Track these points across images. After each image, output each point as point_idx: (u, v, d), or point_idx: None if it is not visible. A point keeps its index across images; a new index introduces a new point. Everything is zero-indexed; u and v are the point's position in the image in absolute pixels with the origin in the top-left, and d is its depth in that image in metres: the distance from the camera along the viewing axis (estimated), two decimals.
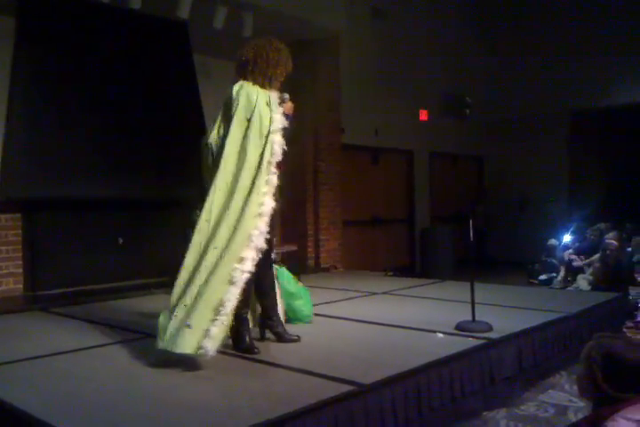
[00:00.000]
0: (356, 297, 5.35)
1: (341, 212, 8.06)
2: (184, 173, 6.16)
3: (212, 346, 2.97)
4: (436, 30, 9.91)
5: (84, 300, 5.26)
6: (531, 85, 10.25)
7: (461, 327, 3.79)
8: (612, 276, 6.57)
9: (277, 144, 3.25)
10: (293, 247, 6.48)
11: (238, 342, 3.39)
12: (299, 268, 5.93)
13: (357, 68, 8.49)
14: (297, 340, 3.58)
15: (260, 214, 3.13)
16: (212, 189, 3.19)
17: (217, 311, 3.00)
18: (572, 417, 3.23)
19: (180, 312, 3.08)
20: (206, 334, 2.97)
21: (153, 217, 6.48)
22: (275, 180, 3.22)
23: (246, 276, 3.08)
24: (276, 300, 3.67)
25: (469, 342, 3.48)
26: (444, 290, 5.71)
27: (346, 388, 2.68)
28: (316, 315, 4.28)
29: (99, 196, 5.90)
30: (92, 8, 5.87)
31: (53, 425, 2.32)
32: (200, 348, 2.96)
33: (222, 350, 3.34)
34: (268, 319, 3.61)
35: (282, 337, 3.57)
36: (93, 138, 5.95)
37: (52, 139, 5.69)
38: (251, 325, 3.57)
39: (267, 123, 3.23)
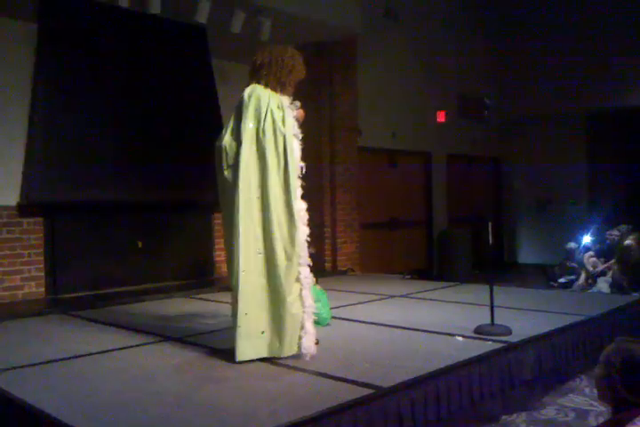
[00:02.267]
0: (373, 300, 5.34)
1: (358, 214, 8.06)
2: (203, 176, 6.21)
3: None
4: (452, 32, 9.88)
5: (105, 303, 5.32)
6: (548, 86, 10.17)
7: (480, 331, 3.77)
8: (633, 277, 6.49)
9: (296, 147, 3.30)
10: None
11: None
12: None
13: (374, 71, 8.50)
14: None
15: (299, 218, 3.25)
16: (236, 196, 3.21)
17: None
18: (593, 422, 3.21)
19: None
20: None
21: (172, 220, 6.54)
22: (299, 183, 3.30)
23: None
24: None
25: (488, 346, 3.46)
26: (462, 293, 5.68)
27: (365, 391, 2.68)
28: (334, 318, 4.29)
29: (119, 199, 5.96)
30: (112, 13, 5.94)
31: (73, 426, 2.34)
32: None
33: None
34: None
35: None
36: (113, 142, 6.03)
37: (74, 143, 5.76)
38: None
39: (280, 125, 3.25)
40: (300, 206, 3.29)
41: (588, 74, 9.72)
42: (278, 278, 3.23)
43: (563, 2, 10.01)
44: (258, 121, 3.25)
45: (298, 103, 3.44)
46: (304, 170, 3.33)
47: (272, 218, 3.21)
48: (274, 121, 3.23)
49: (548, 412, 3.41)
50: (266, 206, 3.23)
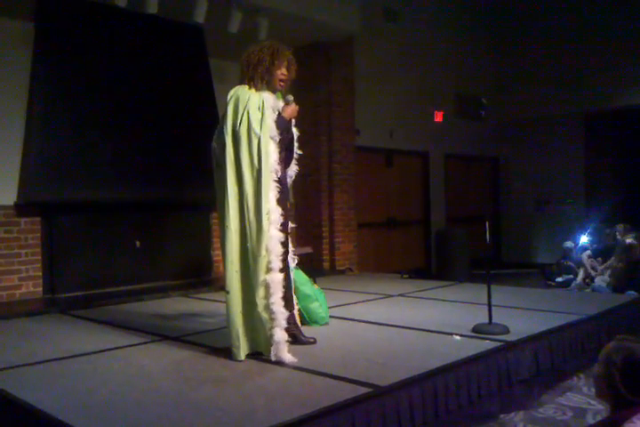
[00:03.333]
0: (371, 299, 5.35)
1: (356, 214, 8.06)
2: (200, 175, 6.21)
3: None
4: (450, 32, 9.90)
5: (102, 302, 5.31)
6: (546, 86, 10.18)
7: (478, 330, 3.77)
8: (632, 276, 6.51)
9: (271, 151, 3.23)
10: (308, 250, 6.50)
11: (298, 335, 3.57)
12: (314, 270, 5.94)
13: (372, 70, 8.51)
14: (313, 342, 3.59)
15: (272, 221, 3.19)
16: (225, 196, 3.25)
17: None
18: (591, 420, 3.21)
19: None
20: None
21: (170, 220, 6.54)
22: (275, 186, 3.25)
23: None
24: (292, 302, 3.68)
25: (486, 345, 3.47)
26: (460, 292, 5.69)
27: (363, 390, 2.68)
28: (332, 317, 4.30)
29: (116, 199, 5.96)
30: (110, 13, 5.94)
31: (71, 425, 2.34)
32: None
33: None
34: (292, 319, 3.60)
35: (297, 339, 3.58)
36: (111, 142, 6.02)
37: (70, 143, 5.76)
38: None
39: (255, 127, 3.20)
40: (273, 209, 3.20)
41: (586, 74, 9.74)
42: (250, 280, 3.22)
43: (561, 3, 10.02)
44: (234, 123, 3.25)
45: (290, 97, 3.41)
46: (279, 173, 3.28)
47: (245, 220, 3.22)
48: (249, 122, 3.21)
49: (546, 411, 3.42)
50: (241, 208, 3.24)
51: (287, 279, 3.55)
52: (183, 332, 4.03)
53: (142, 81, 6.38)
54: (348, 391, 2.67)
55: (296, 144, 3.61)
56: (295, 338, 3.58)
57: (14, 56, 5.70)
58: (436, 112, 9.57)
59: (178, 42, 6.70)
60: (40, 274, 5.71)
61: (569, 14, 9.95)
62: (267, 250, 3.18)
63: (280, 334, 3.20)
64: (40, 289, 5.71)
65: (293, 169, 3.66)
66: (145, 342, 3.79)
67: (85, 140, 5.85)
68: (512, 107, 10.50)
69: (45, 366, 3.28)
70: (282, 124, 3.33)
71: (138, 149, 6.20)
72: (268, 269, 3.18)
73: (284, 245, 3.35)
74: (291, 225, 3.59)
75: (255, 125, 3.21)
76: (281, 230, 3.26)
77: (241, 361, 3.23)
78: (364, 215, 8.48)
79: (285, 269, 3.41)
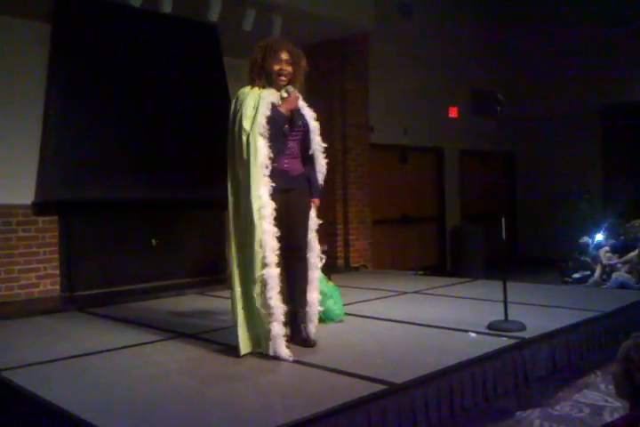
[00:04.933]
0: (386, 296, 5.34)
1: (371, 211, 8.05)
2: (215, 173, 6.23)
3: None
4: (464, 27, 9.83)
5: (119, 300, 5.36)
6: (561, 80, 10.09)
7: (494, 327, 3.75)
8: None
9: (260, 146, 3.24)
10: (323, 247, 6.50)
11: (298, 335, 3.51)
12: (328, 267, 5.94)
13: (386, 67, 8.48)
14: (312, 345, 3.49)
15: (262, 217, 3.20)
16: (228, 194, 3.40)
17: None
18: (608, 417, 3.19)
19: None
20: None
21: (186, 218, 6.58)
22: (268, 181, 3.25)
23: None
24: (304, 300, 3.56)
25: (502, 342, 3.45)
26: (475, 289, 5.66)
27: (378, 387, 2.68)
28: (347, 314, 4.30)
29: (132, 197, 6.00)
30: (124, 13, 5.97)
31: (90, 422, 2.37)
32: None
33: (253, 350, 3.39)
34: (297, 317, 3.56)
35: (297, 337, 3.52)
36: (126, 141, 6.06)
37: (87, 143, 5.80)
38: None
39: (245, 124, 3.25)
40: (265, 204, 3.21)
41: (602, 67, 9.62)
42: (248, 276, 3.26)
43: None
44: (231, 123, 3.35)
45: (290, 88, 3.40)
46: (269, 168, 3.27)
47: (241, 216, 3.29)
48: (240, 120, 3.27)
49: (563, 408, 3.39)
50: (237, 205, 3.33)
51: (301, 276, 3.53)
52: (199, 329, 4.06)
53: (157, 80, 6.42)
54: (364, 389, 2.67)
55: (317, 138, 3.54)
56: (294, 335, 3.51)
57: (31, 57, 5.76)
58: (450, 108, 9.52)
59: (192, 41, 6.73)
60: (58, 272, 5.78)
61: (584, 6, 9.84)
62: (260, 245, 3.19)
63: (278, 329, 3.20)
64: (58, 287, 5.78)
65: (322, 163, 3.58)
66: (161, 340, 3.82)
67: (101, 139, 5.90)
68: (527, 101, 10.40)
69: (64, 364, 3.32)
70: (278, 118, 3.33)
71: (153, 148, 6.23)
72: (264, 265, 3.19)
73: (281, 239, 3.29)
74: (318, 221, 3.60)
75: (244, 123, 3.26)
76: (276, 225, 3.23)
77: (241, 357, 3.25)
78: (379, 212, 8.47)
79: (281, 264, 3.36)
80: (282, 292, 3.29)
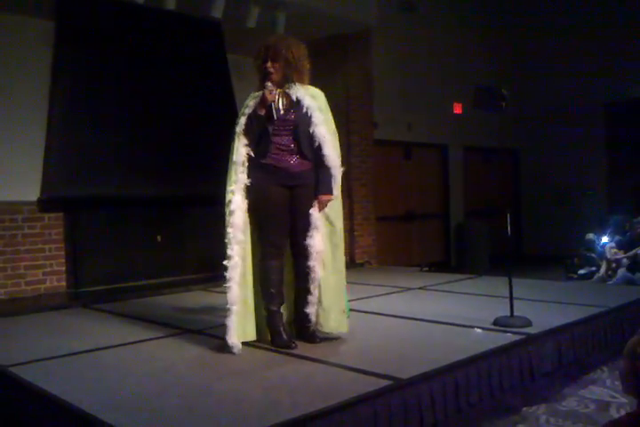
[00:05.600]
0: (391, 293, 5.35)
1: (375, 207, 8.05)
2: (219, 170, 6.22)
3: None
4: (468, 22, 9.80)
5: (125, 296, 5.38)
6: (565, 76, 10.05)
7: (500, 323, 3.75)
8: None
9: (238, 146, 3.39)
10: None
11: (273, 337, 3.44)
12: None
13: (389, 63, 8.46)
14: (318, 342, 3.50)
15: (230, 212, 3.35)
16: None
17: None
18: (614, 413, 3.18)
19: None
20: None
21: (190, 214, 6.59)
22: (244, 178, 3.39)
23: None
24: (307, 298, 3.52)
25: (508, 338, 3.45)
26: (480, 285, 5.66)
27: (384, 383, 2.69)
28: (352, 310, 4.29)
29: (137, 194, 6.02)
30: (128, 9, 5.98)
31: (97, 416, 2.38)
32: None
33: (260, 345, 3.40)
34: (302, 316, 3.57)
35: (305, 334, 3.54)
36: (131, 137, 6.08)
37: (92, 139, 5.82)
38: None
39: (236, 126, 3.42)
40: (233, 200, 3.34)
41: (605, 63, 9.59)
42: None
43: None
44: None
45: (268, 84, 3.35)
46: (243, 167, 3.39)
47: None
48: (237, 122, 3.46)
49: (569, 403, 3.39)
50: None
51: (304, 271, 3.52)
52: (204, 325, 4.07)
53: (161, 77, 6.43)
54: (370, 384, 2.67)
55: (320, 129, 3.48)
56: (300, 331, 3.55)
57: (36, 54, 5.77)
58: (454, 104, 9.50)
59: (196, 37, 6.73)
60: (64, 269, 5.80)
61: (588, 3, 9.79)
62: (227, 238, 3.35)
63: (229, 322, 3.28)
64: (64, 284, 5.80)
65: (330, 157, 3.52)
66: (167, 336, 3.84)
67: (106, 136, 5.92)
68: (531, 98, 10.38)
69: (71, 359, 3.33)
70: (254, 116, 3.38)
71: (158, 144, 6.25)
72: (228, 257, 3.34)
73: (287, 236, 3.50)
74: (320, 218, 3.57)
75: (236, 126, 3.45)
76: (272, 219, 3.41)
77: (246, 353, 3.28)
78: (383, 208, 8.46)
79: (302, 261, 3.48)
80: (280, 284, 3.47)
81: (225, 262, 3.35)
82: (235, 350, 3.26)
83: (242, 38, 6.70)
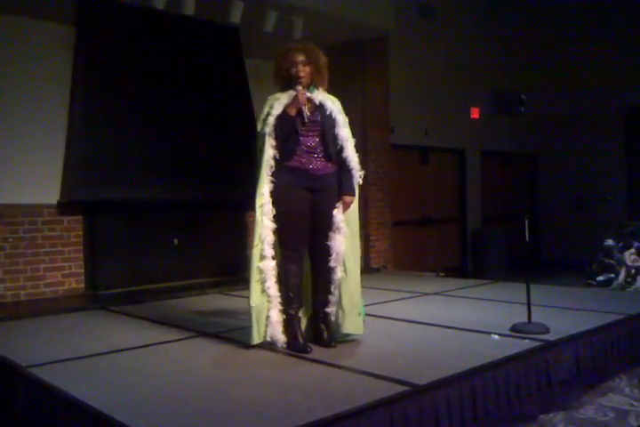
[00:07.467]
0: (407, 298, 5.33)
1: (391, 212, 8.03)
2: (236, 174, 6.27)
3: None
4: (485, 28, 9.77)
5: (142, 299, 5.42)
6: (584, 81, 9.96)
7: (517, 329, 3.72)
8: None
9: (267, 147, 3.40)
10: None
11: (290, 340, 3.45)
12: None
13: (406, 68, 8.46)
14: (333, 346, 3.50)
15: (263, 213, 3.39)
16: None
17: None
18: (633, 422, 3.15)
19: None
20: None
21: (208, 218, 6.62)
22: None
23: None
24: (327, 298, 3.57)
25: (525, 345, 3.43)
26: (497, 291, 5.62)
27: (400, 388, 2.68)
28: (368, 315, 4.28)
29: (155, 198, 6.06)
30: (147, 15, 6.04)
31: (114, 417, 2.40)
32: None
33: (275, 349, 3.41)
34: (319, 317, 3.59)
35: (318, 337, 3.55)
36: (150, 142, 6.13)
37: (111, 144, 5.88)
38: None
39: (261, 125, 3.47)
40: (266, 202, 3.38)
41: (625, 68, 9.49)
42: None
43: None
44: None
45: (298, 87, 3.42)
46: (273, 168, 3.40)
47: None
48: (262, 122, 3.49)
49: (587, 411, 3.35)
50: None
51: (326, 275, 3.55)
52: (221, 328, 4.09)
53: (180, 81, 6.48)
54: (386, 389, 2.67)
55: (343, 132, 3.55)
56: (315, 335, 3.57)
57: (56, 59, 5.85)
58: (472, 109, 9.47)
59: (214, 42, 6.78)
60: (82, 271, 5.86)
61: (607, 7, 9.71)
62: (260, 239, 3.37)
63: (275, 316, 3.37)
64: (82, 286, 5.86)
65: (353, 159, 3.58)
66: (184, 338, 3.86)
67: (125, 140, 5.97)
68: (550, 103, 10.29)
69: (89, 361, 3.36)
70: (284, 117, 3.40)
71: (176, 149, 6.29)
72: (262, 257, 3.37)
73: (307, 238, 3.51)
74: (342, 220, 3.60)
75: (259, 126, 3.49)
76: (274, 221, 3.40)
77: (263, 357, 3.33)
78: (399, 213, 8.45)
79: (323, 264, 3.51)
80: (299, 288, 3.52)
81: (260, 264, 3.38)
82: (279, 345, 3.36)
83: (260, 43, 6.74)
